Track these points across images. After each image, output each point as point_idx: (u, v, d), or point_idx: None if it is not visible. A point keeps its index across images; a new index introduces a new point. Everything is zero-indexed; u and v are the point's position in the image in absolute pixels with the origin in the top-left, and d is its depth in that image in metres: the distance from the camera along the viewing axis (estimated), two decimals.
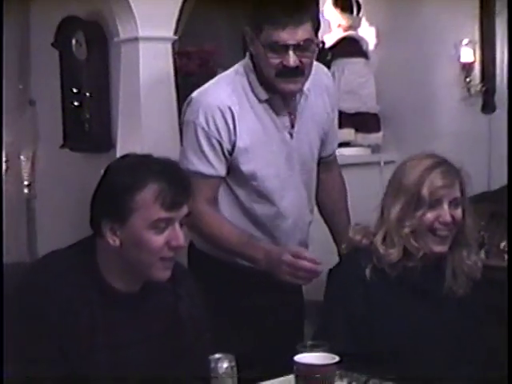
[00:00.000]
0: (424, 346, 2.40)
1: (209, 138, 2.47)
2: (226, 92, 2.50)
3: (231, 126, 2.47)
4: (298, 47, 2.39)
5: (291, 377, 2.00)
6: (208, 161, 2.47)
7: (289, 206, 2.62)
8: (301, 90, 2.58)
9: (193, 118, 2.47)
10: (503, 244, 3.73)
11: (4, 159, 4.26)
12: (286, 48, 2.40)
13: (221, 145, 2.46)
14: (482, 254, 3.57)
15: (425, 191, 2.39)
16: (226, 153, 2.49)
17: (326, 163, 2.93)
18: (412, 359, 2.36)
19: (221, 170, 2.49)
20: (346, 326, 2.43)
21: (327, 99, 2.81)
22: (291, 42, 2.38)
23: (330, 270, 2.54)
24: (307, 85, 2.66)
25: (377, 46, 4.33)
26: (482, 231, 3.68)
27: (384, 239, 2.47)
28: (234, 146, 2.50)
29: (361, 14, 4.21)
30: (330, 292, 2.54)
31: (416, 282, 2.51)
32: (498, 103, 4.00)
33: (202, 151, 2.47)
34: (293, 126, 2.61)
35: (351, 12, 4.15)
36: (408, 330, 2.44)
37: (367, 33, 4.30)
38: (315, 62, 2.70)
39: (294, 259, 2.39)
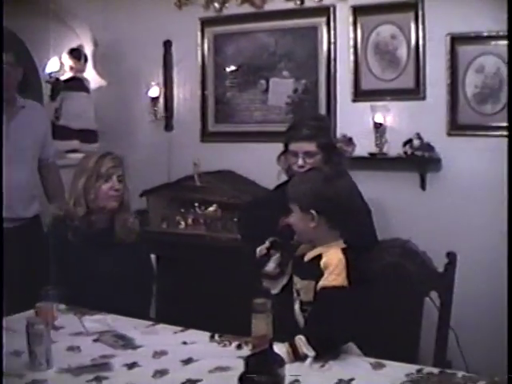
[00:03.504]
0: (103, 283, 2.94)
1: None
2: None
3: None
4: None
5: None
6: None
7: None
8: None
9: None
10: (178, 218, 4.75)
11: None
12: None
13: None
14: (165, 225, 4.75)
15: (103, 169, 3.04)
16: None
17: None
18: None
19: None
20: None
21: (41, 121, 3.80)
22: None
23: None
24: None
25: (100, 86, 5.19)
26: (163, 210, 4.79)
27: (74, 203, 3.06)
28: None
29: (87, 63, 5.02)
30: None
31: (97, 232, 3.07)
32: (175, 125, 5.11)
33: None
34: None
35: (79, 60, 4.94)
36: (99, 272, 2.98)
37: (91, 75, 5.12)
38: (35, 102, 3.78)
39: None
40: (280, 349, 2.15)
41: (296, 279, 2.49)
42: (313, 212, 2.43)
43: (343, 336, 2.30)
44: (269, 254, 2.55)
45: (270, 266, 2.52)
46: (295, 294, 2.49)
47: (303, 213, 2.45)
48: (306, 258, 2.48)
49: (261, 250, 2.48)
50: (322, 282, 2.34)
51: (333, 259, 2.36)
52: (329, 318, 2.25)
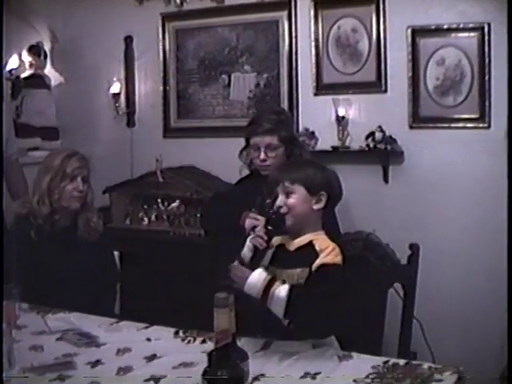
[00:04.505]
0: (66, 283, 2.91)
1: None
2: None
3: None
4: None
5: None
6: None
7: None
8: None
9: None
10: (141, 214, 4.77)
11: None
12: None
13: None
14: (128, 221, 4.76)
15: (68, 170, 3.02)
16: None
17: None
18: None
19: None
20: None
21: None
22: None
23: None
24: None
25: (60, 83, 5.13)
26: (126, 206, 4.80)
27: (38, 202, 3.03)
28: None
29: (47, 59, 4.98)
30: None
31: (60, 231, 3.05)
32: (137, 121, 5.09)
33: None
34: None
35: (39, 56, 4.89)
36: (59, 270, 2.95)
37: (52, 72, 5.07)
38: None
39: None
40: (258, 275, 2.22)
41: (277, 270, 2.39)
42: (323, 193, 2.43)
43: (337, 317, 2.27)
44: (268, 246, 2.44)
45: (246, 252, 2.44)
46: None
47: (309, 194, 2.43)
48: (292, 247, 2.44)
49: (261, 243, 2.41)
50: (321, 260, 2.31)
51: (329, 244, 2.37)
52: (326, 293, 2.23)
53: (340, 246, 2.41)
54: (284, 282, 2.30)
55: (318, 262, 2.30)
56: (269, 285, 2.23)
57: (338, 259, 2.33)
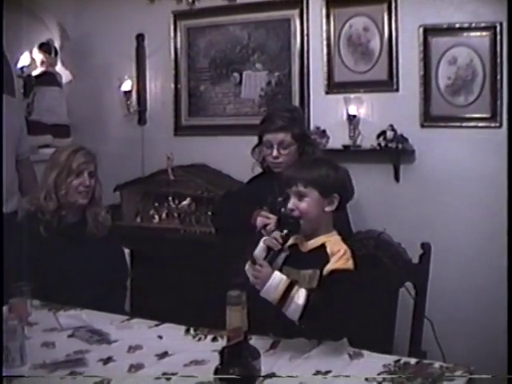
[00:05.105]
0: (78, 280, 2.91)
1: None
2: None
3: None
4: None
5: None
6: None
7: None
8: None
9: None
10: (151, 212, 4.74)
11: None
12: None
13: None
14: (139, 219, 4.74)
15: (74, 165, 3.03)
16: None
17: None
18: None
19: None
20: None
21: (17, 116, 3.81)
22: None
23: None
24: None
25: (71, 80, 5.15)
26: (137, 204, 4.79)
27: (45, 198, 3.03)
28: None
29: (57, 57, 4.99)
30: None
31: (69, 227, 3.05)
32: (148, 119, 5.07)
33: None
34: None
35: (50, 54, 4.90)
36: (70, 265, 2.95)
37: (62, 70, 5.09)
38: (9, 97, 3.64)
39: None
40: (279, 279, 2.19)
41: (289, 270, 2.40)
42: (335, 195, 2.41)
43: (346, 322, 2.26)
44: (283, 249, 2.42)
45: (259, 253, 2.43)
46: None
47: (322, 196, 2.41)
48: (305, 249, 2.43)
49: (276, 245, 2.40)
50: (332, 266, 2.31)
51: (340, 247, 2.35)
52: (338, 299, 2.21)
53: (351, 248, 2.40)
54: (295, 282, 2.29)
55: (328, 266, 2.30)
56: (287, 289, 2.21)
57: (349, 264, 2.32)
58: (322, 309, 2.18)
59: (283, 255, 2.42)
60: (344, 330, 2.29)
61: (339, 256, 2.31)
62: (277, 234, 2.40)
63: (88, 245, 3.07)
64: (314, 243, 2.41)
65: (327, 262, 2.31)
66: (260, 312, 2.08)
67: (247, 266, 2.30)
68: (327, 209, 2.42)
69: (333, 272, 2.28)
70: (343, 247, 2.36)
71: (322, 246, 2.37)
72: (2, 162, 3.57)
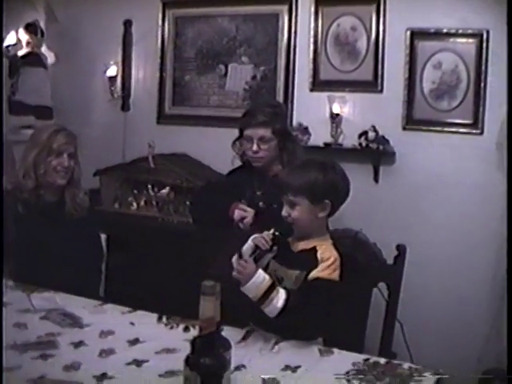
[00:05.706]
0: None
1: None
2: None
3: None
4: None
5: None
6: None
7: None
8: None
9: None
10: (130, 198, 4.74)
11: None
12: None
13: None
14: (117, 205, 4.73)
15: (55, 145, 3.03)
16: None
17: None
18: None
19: None
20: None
21: None
22: None
23: None
24: None
25: (55, 62, 5.07)
26: (116, 190, 4.79)
27: (23, 176, 3.03)
28: None
29: (43, 38, 4.93)
30: None
31: (47, 207, 3.04)
32: (132, 105, 5.08)
33: None
34: None
35: (36, 35, 4.86)
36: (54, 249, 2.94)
37: (47, 52, 5.00)
38: None
39: None
40: (262, 278, 2.20)
41: (276, 266, 2.42)
42: (327, 201, 2.40)
43: (321, 327, 2.29)
44: (271, 250, 2.42)
45: (246, 249, 2.44)
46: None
47: (313, 204, 2.39)
48: (296, 249, 2.43)
49: (264, 245, 2.41)
50: (318, 273, 2.30)
51: (330, 255, 2.35)
52: (317, 307, 2.22)
53: (342, 257, 2.40)
54: (281, 280, 2.32)
55: (314, 273, 2.30)
56: (268, 290, 2.23)
57: (335, 275, 2.32)
58: (299, 313, 2.20)
59: (270, 255, 2.43)
60: (318, 332, 2.32)
61: (327, 265, 2.31)
62: (267, 234, 2.41)
63: (65, 226, 3.07)
64: (305, 245, 2.41)
65: (315, 266, 2.31)
66: (240, 302, 2.13)
67: (234, 259, 2.31)
68: (320, 215, 2.41)
69: (317, 279, 2.29)
70: (334, 255, 2.35)
71: (313, 249, 2.37)
72: (2, 154, 3.56)
